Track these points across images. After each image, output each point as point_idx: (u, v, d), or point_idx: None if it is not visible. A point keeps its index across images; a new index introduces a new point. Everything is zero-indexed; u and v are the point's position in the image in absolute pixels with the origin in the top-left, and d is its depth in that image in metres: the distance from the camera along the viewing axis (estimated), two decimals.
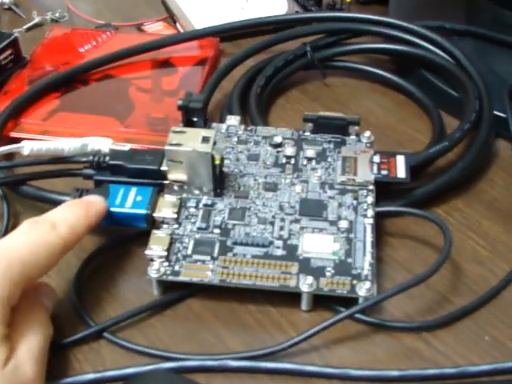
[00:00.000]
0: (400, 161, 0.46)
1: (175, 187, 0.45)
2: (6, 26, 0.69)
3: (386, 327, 0.41)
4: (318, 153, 0.48)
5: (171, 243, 0.42)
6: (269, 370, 0.38)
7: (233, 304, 0.42)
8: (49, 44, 0.63)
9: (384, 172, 0.46)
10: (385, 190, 0.47)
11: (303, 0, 0.70)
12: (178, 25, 0.67)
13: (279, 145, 0.48)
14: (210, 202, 0.45)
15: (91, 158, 0.45)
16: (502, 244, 0.46)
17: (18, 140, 0.51)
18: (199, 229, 0.43)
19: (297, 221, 0.44)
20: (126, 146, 0.46)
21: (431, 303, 0.42)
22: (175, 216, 0.43)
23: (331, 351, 0.40)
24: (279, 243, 0.42)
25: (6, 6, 0.71)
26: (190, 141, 0.43)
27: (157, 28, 0.68)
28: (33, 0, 0.73)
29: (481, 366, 0.38)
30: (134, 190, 0.44)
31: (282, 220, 0.44)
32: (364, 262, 0.41)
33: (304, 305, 0.41)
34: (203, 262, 0.41)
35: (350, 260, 0.41)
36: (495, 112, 0.53)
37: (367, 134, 0.49)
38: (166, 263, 0.41)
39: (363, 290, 0.40)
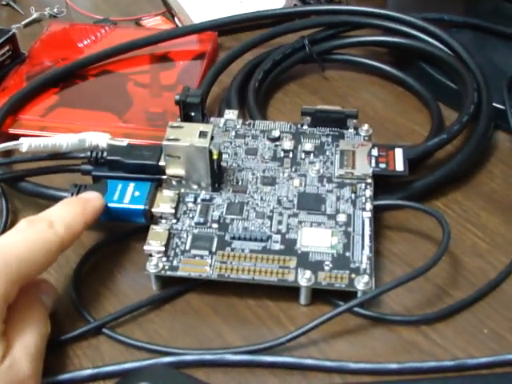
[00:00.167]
0: (398, 154, 0.46)
1: (173, 182, 0.45)
2: (4, 21, 0.69)
3: (384, 321, 0.41)
4: (316, 146, 0.48)
5: (169, 238, 0.42)
6: (268, 364, 0.38)
7: (232, 299, 0.42)
8: (47, 40, 0.63)
9: (382, 165, 0.46)
10: (384, 183, 0.47)
11: None
12: (176, 19, 0.67)
13: (277, 139, 0.48)
14: (208, 197, 0.45)
15: (89, 153, 0.45)
16: (500, 236, 0.46)
17: (16, 136, 0.51)
18: (197, 224, 0.43)
19: (295, 215, 0.43)
20: (124, 142, 0.46)
21: (430, 296, 0.42)
22: (173, 211, 0.43)
23: (330, 345, 0.40)
24: (277, 237, 0.42)
25: (3, 2, 0.71)
26: (188, 136, 0.43)
27: (155, 23, 0.68)
28: None
29: (479, 359, 0.38)
30: (132, 185, 0.44)
31: (280, 214, 0.44)
32: (362, 255, 0.41)
33: (303, 299, 0.41)
34: (201, 256, 0.41)
35: (348, 254, 0.41)
36: (494, 104, 0.53)
37: (365, 127, 0.49)
38: (165, 258, 0.41)
39: (361, 283, 0.40)
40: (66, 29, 0.65)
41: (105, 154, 0.45)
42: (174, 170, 0.44)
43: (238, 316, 0.41)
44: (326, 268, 0.41)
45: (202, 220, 0.43)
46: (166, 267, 0.41)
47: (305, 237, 0.42)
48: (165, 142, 0.43)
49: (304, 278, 0.40)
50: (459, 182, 0.50)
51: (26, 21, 0.68)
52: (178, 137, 0.43)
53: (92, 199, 0.42)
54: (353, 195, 0.44)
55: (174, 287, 0.42)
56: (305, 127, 0.49)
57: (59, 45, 0.63)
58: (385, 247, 0.45)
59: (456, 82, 0.55)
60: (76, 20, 0.68)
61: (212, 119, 0.50)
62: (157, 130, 0.52)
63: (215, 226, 0.43)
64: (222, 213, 0.44)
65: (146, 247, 0.42)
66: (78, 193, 0.44)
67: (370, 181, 0.45)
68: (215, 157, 0.43)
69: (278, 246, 0.42)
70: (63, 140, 0.46)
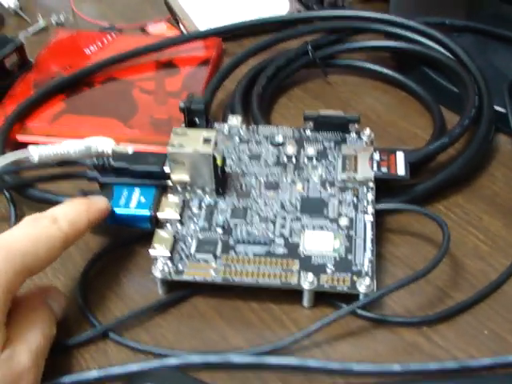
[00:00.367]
0: (400, 158, 0.47)
1: (178, 188, 0.45)
2: (12, 29, 0.70)
3: (386, 322, 0.41)
4: (318, 151, 0.48)
5: (175, 243, 0.43)
6: (272, 366, 0.39)
7: (236, 302, 0.43)
8: (53, 47, 0.64)
9: (384, 169, 0.46)
10: (386, 186, 0.47)
11: None
12: (180, 25, 0.67)
13: (280, 144, 0.49)
14: (212, 202, 0.45)
15: (95, 160, 0.46)
16: (502, 239, 0.46)
17: (24, 143, 0.52)
18: (202, 228, 0.44)
19: (298, 219, 0.44)
20: (129, 148, 0.46)
21: (432, 298, 0.43)
22: (178, 216, 0.44)
23: (333, 347, 0.40)
24: (280, 241, 0.43)
25: (11, 11, 0.72)
26: (192, 142, 0.44)
27: (160, 29, 0.68)
28: (38, 4, 0.74)
29: (481, 360, 0.39)
30: (137, 191, 0.45)
31: (284, 218, 0.44)
32: (364, 258, 0.42)
33: (306, 301, 0.42)
34: (206, 261, 0.42)
35: (350, 257, 0.42)
36: (496, 107, 0.54)
37: (367, 131, 0.49)
38: (170, 262, 0.42)
39: (363, 286, 0.40)
40: (73, 36, 0.66)
41: (111, 160, 0.46)
42: (179, 175, 0.45)
43: (243, 319, 0.42)
44: (329, 271, 0.41)
45: (206, 224, 0.44)
46: (172, 271, 0.42)
47: (307, 240, 0.43)
48: (169, 149, 0.44)
49: (307, 281, 0.40)
50: (461, 185, 0.50)
51: (34, 28, 0.69)
52: (182, 143, 0.44)
53: (97, 200, 0.43)
54: (355, 199, 0.45)
55: (179, 291, 0.43)
56: (307, 132, 0.50)
57: (66, 52, 0.64)
58: (387, 250, 0.46)
59: (457, 86, 0.56)
60: (82, 27, 0.69)
61: (216, 125, 0.51)
62: (162, 135, 0.52)
63: (219, 230, 0.44)
64: (226, 217, 0.44)
65: (151, 251, 0.42)
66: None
67: (371, 185, 0.46)
68: (219, 162, 0.44)
69: (281, 250, 0.42)
70: (70, 147, 0.47)
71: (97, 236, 0.46)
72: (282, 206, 0.45)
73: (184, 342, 0.41)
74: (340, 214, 0.44)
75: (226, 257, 0.42)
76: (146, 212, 0.44)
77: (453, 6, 0.67)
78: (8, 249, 0.36)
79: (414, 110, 0.57)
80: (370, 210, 0.44)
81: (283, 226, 0.44)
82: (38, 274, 0.38)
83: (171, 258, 0.42)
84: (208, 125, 0.49)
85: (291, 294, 0.42)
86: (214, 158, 0.44)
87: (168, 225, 0.44)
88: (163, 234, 0.43)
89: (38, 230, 0.38)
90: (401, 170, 0.46)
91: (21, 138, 0.54)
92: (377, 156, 0.47)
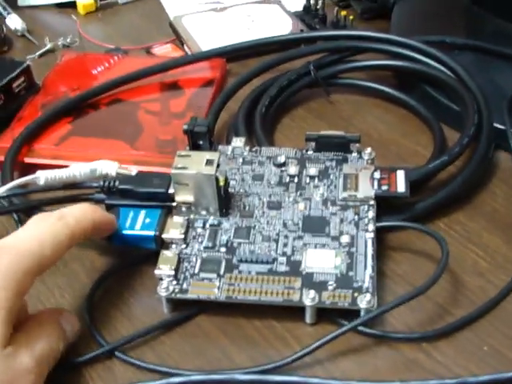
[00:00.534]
0: (400, 176, 0.48)
1: (183, 208, 0.46)
2: (20, 52, 0.71)
3: (387, 338, 0.42)
4: (320, 171, 0.49)
5: (179, 262, 0.44)
6: (275, 383, 0.40)
7: (240, 320, 0.43)
8: (60, 70, 0.65)
9: (384, 187, 0.47)
10: (387, 204, 0.48)
11: (308, 18, 0.72)
12: (185, 47, 0.69)
13: (283, 164, 0.50)
14: (216, 222, 0.46)
15: (101, 182, 0.47)
16: (502, 255, 0.47)
17: (31, 165, 0.53)
18: (206, 248, 0.45)
19: (300, 237, 0.45)
20: (133, 170, 0.47)
21: (432, 314, 0.43)
22: (183, 236, 0.45)
23: (334, 364, 0.41)
24: (283, 259, 0.44)
25: (19, 33, 0.73)
26: (195, 164, 0.44)
27: (165, 50, 0.70)
28: (45, 26, 0.75)
29: (480, 377, 0.39)
30: (143, 212, 0.46)
31: (286, 237, 0.45)
32: (365, 275, 0.42)
33: (308, 318, 0.43)
34: (210, 279, 0.43)
35: (351, 273, 0.43)
36: (496, 124, 0.54)
37: (368, 150, 0.50)
38: (175, 282, 0.43)
39: (364, 302, 0.41)
40: (79, 58, 0.67)
41: (116, 182, 0.47)
42: (183, 196, 0.46)
43: (246, 337, 0.43)
44: (330, 287, 0.42)
45: (210, 244, 0.45)
46: (176, 290, 0.43)
47: (309, 258, 0.44)
48: (173, 171, 0.45)
49: (308, 298, 0.41)
50: (461, 202, 0.51)
51: (41, 51, 0.70)
52: (186, 165, 0.45)
53: (104, 211, 0.44)
54: (356, 217, 0.46)
55: (184, 310, 0.44)
56: (309, 152, 0.51)
57: (72, 74, 0.65)
58: (388, 267, 0.46)
59: (457, 104, 0.57)
60: (88, 49, 0.70)
61: (220, 147, 0.52)
62: (166, 157, 0.53)
63: (223, 249, 0.45)
64: (229, 237, 0.45)
65: (156, 271, 0.43)
66: None
67: (372, 203, 0.47)
68: (222, 183, 0.45)
69: (283, 268, 0.43)
70: (76, 170, 0.48)
71: (103, 256, 0.47)
72: (285, 225, 0.46)
73: (188, 360, 0.41)
74: (341, 232, 0.45)
75: (230, 275, 0.43)
76: (151, 233, 0.45)
77: (453, 24, 0.68)
78: (16, 250, 0.37)
79: (414, 128, 0.58)
80: (371, 227, 0.45)
81: (285, 245, 0.45)
82: (45, 294, 0.39)
83: (176, 277, 0.43)
84: (212, 146, 0.50)
85: (294, 312, 0.43)
86: (217, 179, 0.44)
87: (173, 245, 0.45)
88: (168, 254, 0.44)
89: (46, 227, 0.39)
90: (401, 188, 0.47)
91: (28, 160, 0.55)
92: (377, 174, 0.48)
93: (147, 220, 0.45)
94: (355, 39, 0.62)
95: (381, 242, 0.47)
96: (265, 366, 0.40)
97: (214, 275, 0.43)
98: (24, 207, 0.49)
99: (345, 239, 0.45)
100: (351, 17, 0.70)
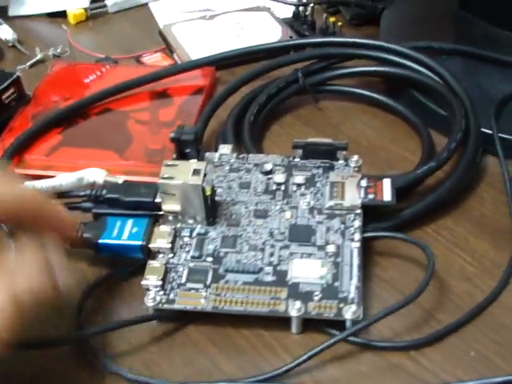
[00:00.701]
0: (386, 184, 0.48)
1: (170, 218, 0.46)
2: (10, 62, 0.71)
3: (373, 347, 0.42)
4: (307, 178, 0.49)
5: (166, 272, 0.44)
6: None
7: (228, 329, 0.44)
8: (51, 80, 0.65)
9: (371, 196, 0.47)
10: (375, 211, 0.48)
11: (297, 25, 0.72)
12: (175, 55, 0.69)
13: (269, 172, 0.50)
14: (203, 231, 0.46)
15: (89, 191, 0.47)
16: (489, 260, 0.47)
17: (22, 176, 0.53)
18: (193, 257, 0.45)
19: (286, 247, 0.45)
20: (120, 179, 0.48)
21: (419, 320, 0.43)
22: (170, 246, 0.45)
23: (322, 372, 0.41)
24: (269, 269, 0.44)
25: (10, 44, 0.74)
26: (182, 174, 0.45)
27: (155, 59, 0.70)
28: (36, 36, 0.75)
29: (467, 383, 0.39)
30: (130, 221, 0.46)
31: (272, 246, 0.45)
32: (350, 285, 0.43)
33: (294, 328, 0.43)
34: (197, 289, 0.43)
35: (336, 284, 0.43)
36: (483, 129, 0.54)
37: (355, 158, 0.50)
38: (162, 292, 0.43)
39: (349, 313, 0.41)
40: (68, 68, 0.67)
41: (104, 191, 0.47)
42: (170, 206, 0.46)
43: (235, 346, 0.43)
44: (316, 298, 0.42)
45: (197, 254, 0.45)
46: (164, 301, 0.43)
47: (295, 268, 0.44)
48: (160, 181, 0.45)
49: (294, 309, 0.41)
50: (449, 207, 0.51)
51: (31, 61, 0.70)
52: (173, 175, 0.45)
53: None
54: (342, 226, 0.46)
55: (172, 320, 0.44)
56: (297, 160, 0.51)
57: (63, 84, 0.65)
58: (375, 274, 0.46)
59: (445, 109, 0.57)
60: (79, 59, 0.71)
61: (207, 154, 0.52)
62: (155, 166, 0.52)
63: (210, 259, 0.45)
64: (216, 246, 0.45)
65: (143, 282, 0.43)
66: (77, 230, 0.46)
67: (359, 211, 0.47)
68: (208, 193, 0.45)
69: (269, 278, 0.43)
70: (63, 180, 0.48)
71: (91, 267, 0.47)
72: (271, 234, 0.46)
73: (177, 370, 0.42)
74: (327, 242, 0.45)
75: (216, 286, 0.43)
76: (137, 242, 0.45)
77: (442, 29, 0.69)
78: None
79: (402, 133, 0.58)
80: (357, 236, 0.45)
81: (272, 254, 0.45)
82: None
83: (163, 288, 0.43)
84: (199, 154, 0.50)
85: (281, 320, 0.43)
86: (204, 189, 0.45)
87: (160, 254, 0.45)
88: (155, 264, 0.44)
89: None
90: (387, 196, 0.47)
91: (19, 171, 0.55)
92: (364, 183, 0.48)
93: (134, 229, 0.46)
94: (343, 46, 0.62)
95: (367, 247, 0.47)
96: (256, 377, 0.40)
97: (201, 285, 0.43)
98: None
99: (331, 249, 0.45)
100: (340, 23, 0.70)
